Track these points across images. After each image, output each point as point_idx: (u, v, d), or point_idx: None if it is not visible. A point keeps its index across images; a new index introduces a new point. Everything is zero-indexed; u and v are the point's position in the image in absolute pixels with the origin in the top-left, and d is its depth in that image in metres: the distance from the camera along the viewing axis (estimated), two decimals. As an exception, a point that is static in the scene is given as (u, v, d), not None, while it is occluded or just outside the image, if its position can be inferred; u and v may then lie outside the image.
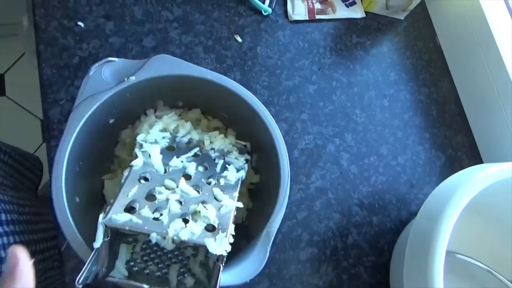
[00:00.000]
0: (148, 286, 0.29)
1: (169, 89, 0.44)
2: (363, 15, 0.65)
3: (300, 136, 0.58)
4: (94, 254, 0.31)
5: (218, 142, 0.43)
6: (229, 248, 0.32)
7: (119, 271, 0.34)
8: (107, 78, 0.40)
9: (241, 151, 0.44)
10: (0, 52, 1.33)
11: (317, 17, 0.63)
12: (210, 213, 0.34)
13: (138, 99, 0.43)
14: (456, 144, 0.63)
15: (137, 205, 0.33)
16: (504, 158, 0.59)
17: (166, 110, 0.48)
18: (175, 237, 0.31)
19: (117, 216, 0.32)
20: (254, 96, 0.42)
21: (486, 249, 0.54)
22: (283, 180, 0.40)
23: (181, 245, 0.36)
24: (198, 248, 0.37)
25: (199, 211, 0.34)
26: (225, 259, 0.33)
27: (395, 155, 0.60)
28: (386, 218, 0.57)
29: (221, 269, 0.32)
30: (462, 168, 0.49)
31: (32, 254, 0.47)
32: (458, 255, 0.51)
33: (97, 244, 0.31)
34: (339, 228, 0.55)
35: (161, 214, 0.33)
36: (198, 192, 0.37)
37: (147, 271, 0.35)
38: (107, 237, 0.32)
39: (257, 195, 0.48)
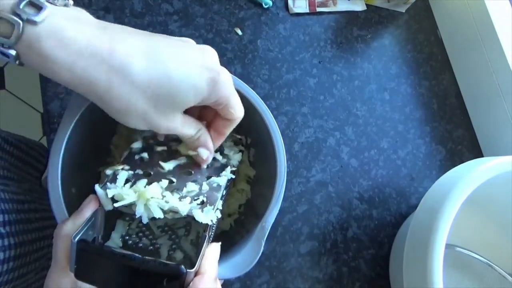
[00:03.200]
0: (140, 256, 0.30)
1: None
2: (364, 7, 0.65)
3: (301, 129, 0.58)
4: (91, 217, 0.33)
5: None
6: (215, 219, 0.34)
7: (114, 242, 0.36)
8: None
9: (236, 143, 0.46)
10: (0, 45, 1.33)
11: (318, 9, 0.63)
12: (200, 190, 0.36)
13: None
14: (457, 138, 0.63)
15: (133, 180, 0.35)
16: (505, 151, 0.59)
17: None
18: (164, 207, 0.33)
19: (112, 185, 0.34)
20: (252, 89, 0.42)
21: (486, 242, 0.54)
22: (279, 175, 0.40)
23: (173, 225, 0.39)
24: (190, 229, 0.39)
25: (190, 189, 0.36)
26: (212, 232, 0.35)
27: (396, 149, 0.60)
28: (386, 212, 0.57)
29: (207, 239, 0.34)
30: (462, 161, 0.49)
31: (26, 254, 0.47)
32: (458, 248, 0.51)
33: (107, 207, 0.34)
34: (339, 222, 0.55)
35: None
36: (191, 173, 0.38)
37: (141, 244, 0.37)
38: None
39: (254, 189, 0.48)
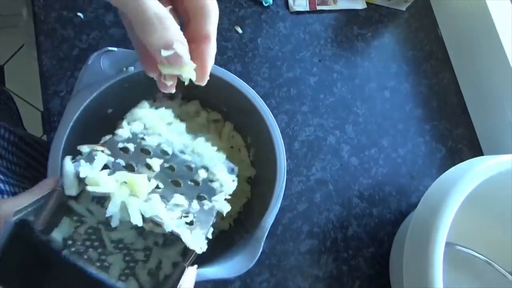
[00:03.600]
0: (95, 273, 0.23)
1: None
2: (364, 6, 0.65)
3: (301, 128, 0.58)
4: (40, 199, 0.26)
5: (205, 153, 0.34)
6: (205, 248, 0.28)
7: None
8: (106, 67, 0.40)
9: (231, 171, 0.36)
10: (0, 43, 1.33)
11: (318, 8, 0.63)
12: (190, 206, 0.30)
13: (137, 90, 0.43)
14: (457, 136, 0.63)
15: (112, 169, 0.28)
16: (505, 150, 0.59)
17: (165, 101, 0.48)
18: (146, 213, 0.26)
19: (86, 164, 0.27)
20: (252, 89, 0.42)
21: (486, 240, 0.54)
22: (279, 175, 0.40)
23: (130, 244, 0.31)
24: (150, 255, 0.31)
25: (178, 202, 0.29)
26: (193, 261, 0.28)
27: (396, 147, 0.60)
28: (386, 210, 0.57)
29: (185, 271, 0.27)
30: (462, 160, 0.49)
31: None
32: (458, 246, 0.51)
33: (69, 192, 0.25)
34: (339, 220, 0.55)
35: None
36: (180, 184, 0.31)
37: (85, 256, 0.29)
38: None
39: (254, 188, 0.48)
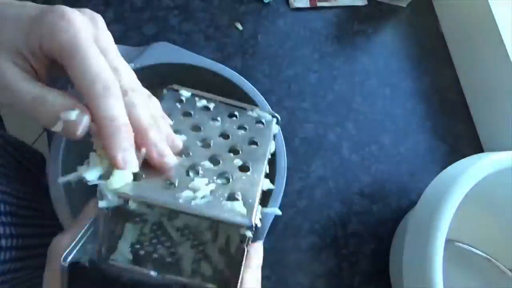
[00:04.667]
0: (156, 274, 0.24)
1: (168, 77, 0.44)
2: (365, 2, 0.65)
3: (301, 125, 0.58)
4: (89, 226, 0.26)
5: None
6: (259, 223, 0.26)
7: (122, 254, 0.28)
8: (106, 65, 0.40)
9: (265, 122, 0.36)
10: None
11: (319, 4, 0.62)
12: (233, 185, 0.28)
13: (137, 87, 0.43)
14: (457, 133, 0.63)
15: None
16: (505, 147, 0.59)
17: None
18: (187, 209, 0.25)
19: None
20: (252, 86, 0.42)
21: (486, 237, 0.54)
22: (279, 173, 0.40)
23: (196, 227, 0.30)
24: (218, 231, 0.30)
25: (219, 183, 0.28)
26: (250, 240, 0.26)
27: (396, 144, 0.60)
28: (386, 207, 0.57)
29: (246, 253, 0.26)
30: (463, 157, 0.49)
31: (25, 248, 0.47)
32: (458, 243, 0.51)
33: (102, 204, 0.24)
34: (339, 217, 0.55)
35: (171, 183, 0.26)
36: (219, 163, 0.29)
37: (156, 255, 0.29)
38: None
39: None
